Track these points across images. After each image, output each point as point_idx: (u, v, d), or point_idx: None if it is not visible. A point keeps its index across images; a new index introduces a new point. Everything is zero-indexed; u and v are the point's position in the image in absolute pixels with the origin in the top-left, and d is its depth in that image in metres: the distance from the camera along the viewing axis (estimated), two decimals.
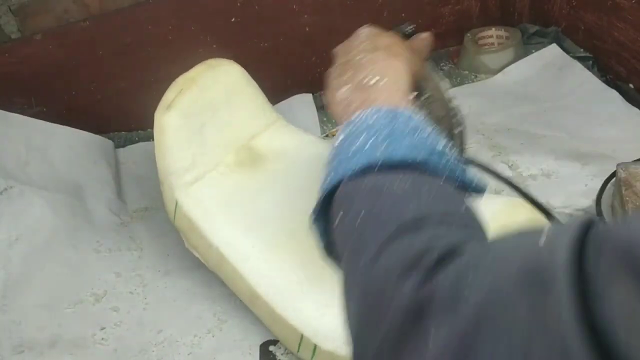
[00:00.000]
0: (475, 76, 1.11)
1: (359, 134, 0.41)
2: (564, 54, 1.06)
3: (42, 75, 0.94)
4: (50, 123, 0.90)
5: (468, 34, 1.13)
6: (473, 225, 0.37)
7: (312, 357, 0.63)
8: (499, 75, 1.09)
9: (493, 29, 1.14)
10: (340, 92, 0.48)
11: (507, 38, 1.12)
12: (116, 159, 0.98)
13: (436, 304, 0.27)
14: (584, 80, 1.01)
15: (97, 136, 0.96)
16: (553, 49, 1.08)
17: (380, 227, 0.34)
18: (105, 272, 0.79)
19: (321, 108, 1.08)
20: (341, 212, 0.38)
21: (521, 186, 0.54)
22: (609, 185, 0.78)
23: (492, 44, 1.14)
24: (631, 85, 0.97)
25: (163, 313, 0.74)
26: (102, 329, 0.72)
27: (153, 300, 0.76)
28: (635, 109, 0.92)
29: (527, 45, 1.12)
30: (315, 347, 0.62)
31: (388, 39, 0.50)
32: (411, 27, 0.57)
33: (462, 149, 0.58)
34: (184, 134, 0.71)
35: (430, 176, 0.38)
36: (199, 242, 0.71)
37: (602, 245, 0.23)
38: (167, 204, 0.73)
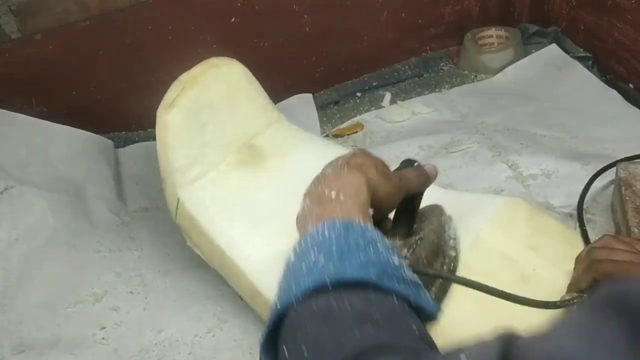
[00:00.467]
0: (475, 76, 1.11)
1: (311, 249, 0.40)
2: (564, 54, 1.06)
3: (42, 75, 0.94)
4: (50, 123, 0.90)
5: (468, 34, 1.13)
6: (421, 347, 0.36)
7: None
8: (499, 75, 1.09)
9: (493, 29, 1.14)
10: (300, 206, 0.48)
11: (507, 38, 1.13)
12: (116, 159, 0.98)
13: None
14: (584, 80, 1.01)
15: (97, 136, 0.96)
16: (553, 49, 1.08)
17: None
18: (106, 272, 0.79)
19: (321, 108, 1.08)
20: (285, 348, 0.36)
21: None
22: (604, 184, 0.78)
23: (492, 44, 1.14)
24: (631, 85, 0.97)
25: (163, 313, 0.74)
26: (103, 328, 0.72)
27: (153, 300, 0.76)
28: (635, 109, 0.93)
29: (527, 45, 1.12)
30: None
31: (362, 159, 0.49)
32: (416, 163, 0.56)
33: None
34: (186, 132, 0.71)
35: (383, 294, 0.38)
36: (200, 240, 0.71)
37: None
38: (169, 202, 0.73)
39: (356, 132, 1.02)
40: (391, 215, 0.55)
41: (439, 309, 0.41)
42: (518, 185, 0.83)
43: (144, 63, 0.98)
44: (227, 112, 0.75)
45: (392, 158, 0.92)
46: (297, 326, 0.36)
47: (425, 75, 1.14)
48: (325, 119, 1.06)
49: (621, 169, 0.72)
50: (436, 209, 0.60)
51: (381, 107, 1.07)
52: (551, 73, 1.05)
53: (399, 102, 1.07)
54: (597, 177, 0.78)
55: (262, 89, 0.79)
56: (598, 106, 0.95)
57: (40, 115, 0.91)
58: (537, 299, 0.55)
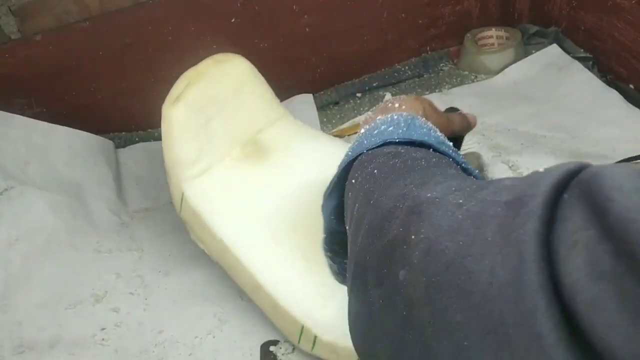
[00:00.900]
0: (475, 76, 1.11)
1: (381, 125, 0.44)
2: (564, 54, 1.06)
3: (42, 75, 0.94)
4: (50, 124, 0.90)
5: (468, 35, 1.13)
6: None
7: (312, 348, 0.63)
8: (499, 75, 1.09)
9: (493, 29, 1.14)
10: (366, 115, 0.51)
11: (507, 38, 1.13)
12: (116, 160, 0.98)
13: (419, 212, 0.32)
14: (584, 81, 1.01)
15: (98, 137, 0.96)
16: (553, 50, 1.08)
17: (396, 174, 0.38)
18: (106, 273, 0.79)
19: (321, 108, 1.08)
20: (358, 172, 0.41)
21: None
22: None
23: (492, 44, 1.14)
24: (631, 86, 0.97)
25: (163, 314, 0.74)
26: (103, 329, 0.72)
27: (153, 300, 0.76)
28: (635, 109, 0.92)
29: (527, 45, 1.12)
30: (315, 337, 0.62)
31: (420, 100, 0.52)
32: (459, 111, 0.60)
33: None
34: (191, 127, 0.71)
35: (442, 155, 0.42)
36: (203, 234, 0.71)
37: (579, 181, 0.24)
38: (174, 196, 0.73)
39: (356, 132, 1.01)
40: None
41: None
42: None
43: (144, 63, 0.98)
44: (233, 107, 0.75)
45: None
46: (368, 159, 0.41)
47: (425, 75, 1.14)
48: (325, 119, 1.06)
49: None
50: (475, 154, 0.67)
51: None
52: (551, 73, 1.05)
53: None
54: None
55: (267, 85, 0.79)
56: (598, 106, 0.95)
57: (40, 115, 0.91)
58: None
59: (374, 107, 0.52)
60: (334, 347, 0.61)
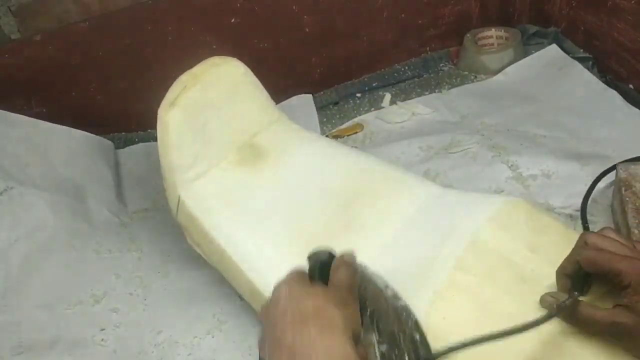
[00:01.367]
0: (475, 76, 1.11)
1: None
2: (564, 54, 1.06)
3: (42, 75, 0.94)
4: (50, 124, 0.90)
5: (468, 35, 1.13)
6: None
7: None
8: (499, 75, 1.09)
9: (493, 29, 1.14)
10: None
11: (506, 38, 1.13)
12: (116, 160, 0.98)
13: None
14: (584, 81, 1.01)
15: (97, 137, 0.96)
16: (553, 50, 1.08)
17: None
18: (105, 273, 0.79)
19: (321, 108, 1.08)
20: None
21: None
22: (604, 185, 0.78)
23: (492, 44, 1.14)
24: (631, 86, 0.97)
25: (163, 314, 0.74)
26: (102, 330, 0.72)
27: (152, 301, 0.76)
28: (635, 109, 0.92)
29: (527, 45, 1.12)
30: None
31: (312, 302, 0.44)
32: (326, 253, 0.50)
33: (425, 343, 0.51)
34: (187, 131, 0.71)
35: None
36: (200, 238, 0.71)
37: None
38: (170, 200, 0.73)
39: (356, 132, 1.02)
40: None
41: None
42: (518, 185, 0.83)
43: (144, 63, 0.98)
44: (228, 111, 0.75)
45: (392, 159, 0.92)
46: None
47: (425, 75, 1.14)
48: (325, 119, 1.06)
49: (621, 169, 0.72)
50: (361, 275, 0.52)
51: (381, 107, 1.07)
52: (551, 74, 1.05)
53: (398, 102, 1.07)
54: (600, 179, 0.78)
55: (263, 88, 0.79)
56: (598, 106, 0.95)
57: (40, 115, 0.91)
58: (533, 302, 0.56)
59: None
60: None
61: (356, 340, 0.44)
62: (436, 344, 0.54)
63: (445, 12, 1.12)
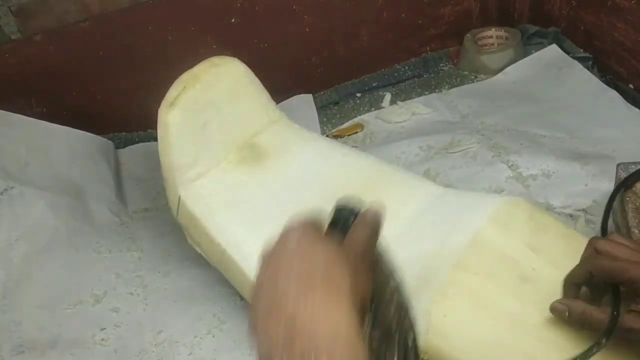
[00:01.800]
0: (475, 76, 1.11)
1: None
2: (564, 54, 1.06)
3: (43, 76, 0.94)
4: (50, 124, 0.90)
5: (468, 35, 1.13)
6: None
7: None
8: (499, 75, 1.09)
9: (493, 29, 1.14)
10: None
11: (506, 38, 1.13)
12: (116, 160, 0.98)
13: None
14: (584, 81, 1.01)
15: (98, 137, 0.96)
16: (553, 50, 1.08)
17: None
18: (106, 273, 0.79)
19: (321, 108, 1.09)
20: None
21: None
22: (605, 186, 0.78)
23: (492, 44, 1.14)
24: (631, 86, 0.97)
25: (163, 314, 0.74)
26: (102, 329, 0.72)
27: (153, 301, 0.76)
28: (635, 109, 0.92)
29: (527, 45, 1.12)
30: None
31: (324, 259, 0.39)
32: (357, 205, 0.44)
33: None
34: (188, 131, 0.71)
35: None
36: (201, 238, 0.71)
37: None
38: (170, 200, 0.73)
39: (356, 132, 1.02)
40: None
41: None
42: (518, 185, 0.83)
43: (144, 63, 0.98)
44: (229, 110, 0.75)
45: (392, 158, 0.92)
46: None
47: (425, 75, 1.14)
48: (325, 119, 1.06)
49: (621, 169, 0.72)
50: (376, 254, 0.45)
51: (381, 107, 1.07)
52: (551, 73, 1.05)
53: (398, 102, 1.07)
54: (623, 186, 0.70)
55: (263, 88, 0.79)
56: (598, 106, 0.95)
57: (40, 115, 0.91)
58: (537, 299, 0.55)
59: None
60: None
61: (361, 317, 0.39)
62: (437, 341, 0.54)
63: (445, 12, 1.12)
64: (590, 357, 0.49)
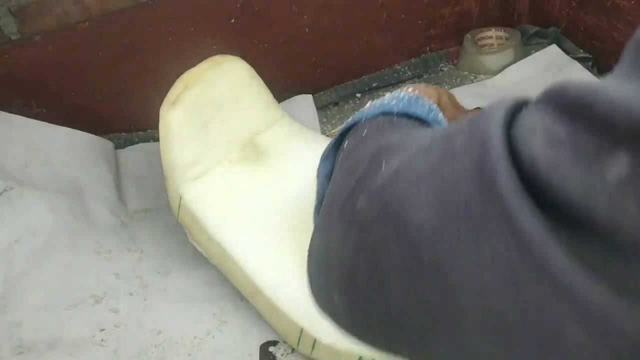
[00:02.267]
0: (475, 77, 1.11)
1: (385, 99, 0.45)
2: (564, 54, 1.06)
3: (42, 76, 0.94)
4: (50, 124, 0.90)
5: (468, 35, 1.13)
6: None
7: (311, 351, 0.63)
8: (499, 76, 1.09)
9: (493, 29, 1.14)
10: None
11: (506, 39, 1.12)
12: (116, 160, 0.98)
13: (392, 149, 0.33)
14: None
15: (97, 137, 0.96)
16: (553, 50, 1.08)
17: (382, 131, 0.39)
18: (105, 274, 0.79)
19: (321, 109, 1.08)
20: (351, 137, 0.42)
21: None
22: None
23: (492, 44, 1.14)
24: None
25: (163, 314, 0.74)
26: (102, 330, 0.72)
27: (153, 301, 0.76)
28: None
29: (526, 46, 1.12)
30: (315, 341, 0.62)
31: (438, 90, 0.51)
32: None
33: None
34: (189, 129, 0.71)
35: None
36: (201, 237, 0.71)
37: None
38: (171, 199, 0.73)
39: None
40: None
41: None
42: None
43: (144, 64, 0.98)
44: (230, 109, 0.75)
45: None
46: (363, 126, 0.42)
47: (425, 76, 1.14)
48: (325, 119, 1.06)
49: None
50: None
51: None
52: (551, 74, 1.05)
53: None
54: None
55: (265, 87, 0.79)
56: None
57: (40, 116, 0.91)
58: None
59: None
60: (334, 350, 0.61)
61: None
62: None
63: (445, 12, 1.12)
64: None
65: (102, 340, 0.71)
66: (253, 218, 0.70)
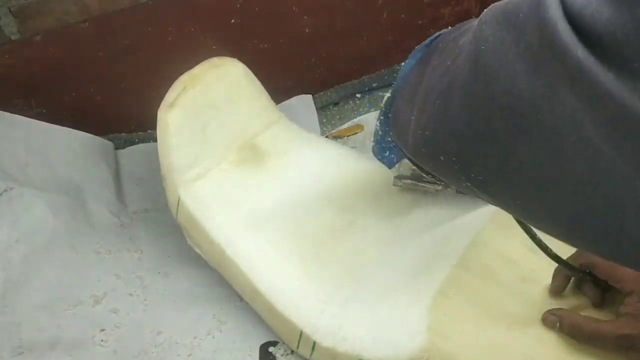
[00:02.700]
0: None
1: None
2: None
3: (42, 76, 0.94)
4: (50, 124, 0.90)
5: None
6: None
7: (311, 354, 0.63)
8: None
9: None
10: None
11: None
12: (116, 161, 0.98)
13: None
14: None
15: (97, 137, 0.96)
16: None
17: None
18: (105, 274, 0.79)
19: (321, 109, 1.08)
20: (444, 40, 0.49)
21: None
22: None
23: None
24: None
25: (163, 315, 0.74)
26: (102, 330, 0.72)
27: (153, 301, 0.76)
28: None
29: None
30: (314, 343, 0.62)
31: None
32: None
33: None
34: (187, 131, 0.71)
35: None
36: (200, 239, 0.71)
37: None
38: (170, 201, 0.73)
39: (356, 133, 1.02)
40: None
41: None
42: None
43: (144, 64, 0.98)
44: (228, 111, 0.75)
45: None
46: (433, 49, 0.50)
47: None
48: (325, 120, 1.06)
49: None
50: None
51: (381, 108, 1.07)
52: None
53: None
54: None
55: (263, 89, 0.79)
56: None
57: (39, 116, 0.91)
58: (537, 299, 0.55)
59: None
60: (333, 352, 0.61)
61: None
62: (437, 341, 0.54)
63: (445, 12, 1.12)
64: None
65: (102, 340, 0.71)
66: (251, 219, 0.70)
